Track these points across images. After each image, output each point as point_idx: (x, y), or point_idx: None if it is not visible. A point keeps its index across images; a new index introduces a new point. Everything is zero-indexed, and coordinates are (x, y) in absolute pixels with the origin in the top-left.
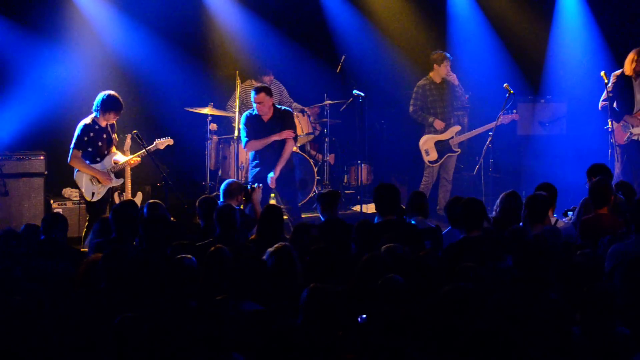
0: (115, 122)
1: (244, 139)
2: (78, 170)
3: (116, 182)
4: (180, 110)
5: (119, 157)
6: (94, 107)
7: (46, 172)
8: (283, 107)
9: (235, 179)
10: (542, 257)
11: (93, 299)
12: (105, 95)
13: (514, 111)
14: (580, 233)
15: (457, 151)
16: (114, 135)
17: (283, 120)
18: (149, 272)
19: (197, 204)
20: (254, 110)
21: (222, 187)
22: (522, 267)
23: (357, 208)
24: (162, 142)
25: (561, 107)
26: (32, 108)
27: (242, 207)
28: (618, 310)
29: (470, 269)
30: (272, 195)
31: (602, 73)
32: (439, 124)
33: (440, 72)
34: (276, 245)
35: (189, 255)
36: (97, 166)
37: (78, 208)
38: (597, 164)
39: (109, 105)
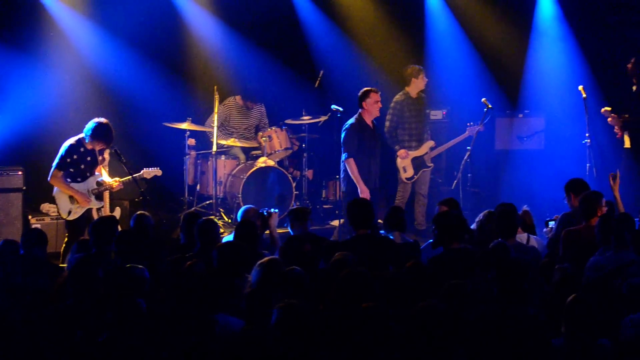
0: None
1: (348, 152)
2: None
3: (96, 204)
4: (159, 126)
5: (105, 178)
6: (84, 130)
7: (24, 188)
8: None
9: (251, 206)
10: (521, 272)
11: (67, 314)
12: (96, 123)
13: (479, 123)
14: (563, 244)
15: (431, 165)
16: (105, 155)
17: (377, 129)
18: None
19: (182, 218)
20: (358, 116)
21: (239, 213)
22: (501, 282)
23: (335, 223)
24: (150, 172)
25: (539, 122)
26: (10, 123)
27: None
28: (599, 322)
29: (457, 285)
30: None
31: (580, 87)
32: (402, 153)
33: (419, 85)
34: (264, 259)
35: (139, 265)
36: (78, 186)
37: (56, 224)
38: (575, 179)
39: (97, 134)
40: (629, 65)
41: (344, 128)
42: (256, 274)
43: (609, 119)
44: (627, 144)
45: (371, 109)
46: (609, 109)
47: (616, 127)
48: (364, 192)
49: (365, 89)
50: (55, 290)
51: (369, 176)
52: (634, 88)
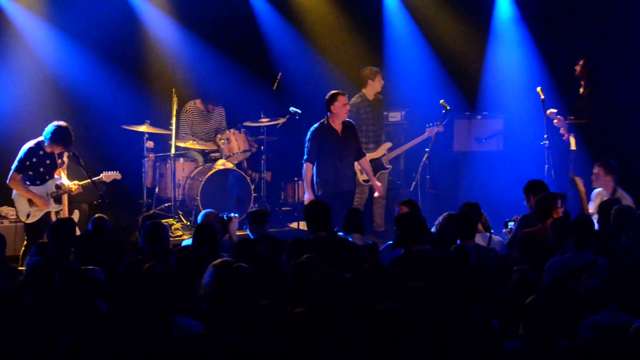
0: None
1: (306, 156)
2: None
3: (54, 207)
4: (117, 128)
5: (64, 181)
6: (43, 133)
7: None
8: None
9: (211, 210)
10: (460, 274)
11: (24, 316)
12: (56, 126)
13: (438, 124)
14: (519, 246)
15: (388, 167)
16: (64, 158)
17: (351, 131)
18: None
19: (140, 221)
20: (325, 120)
21: (200, 217)
22: (457, 283)
23: (294, 225)
24: (109, 176)
25: (498, 123)
26: None
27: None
28: (558, 323)
29: (416, 287)
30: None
31: (539, 89)
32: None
33: (375, 87)
34: (217, 260)
35: (94, 267)
36: (37, 189)
37: (15, 227)
38: (534, 181)
39: (57, 138)
40: (577, 67)
41: (308, 132)
42: (209, 276)
43: (555, 121)
44: (573, 146)
45: (339, 112)
46: (554, 110)
47: (562, 129)
48: (309, 199)
49: (332, 92)
50: (13, 293)
51: (335, 180)
52: (581, 90)
